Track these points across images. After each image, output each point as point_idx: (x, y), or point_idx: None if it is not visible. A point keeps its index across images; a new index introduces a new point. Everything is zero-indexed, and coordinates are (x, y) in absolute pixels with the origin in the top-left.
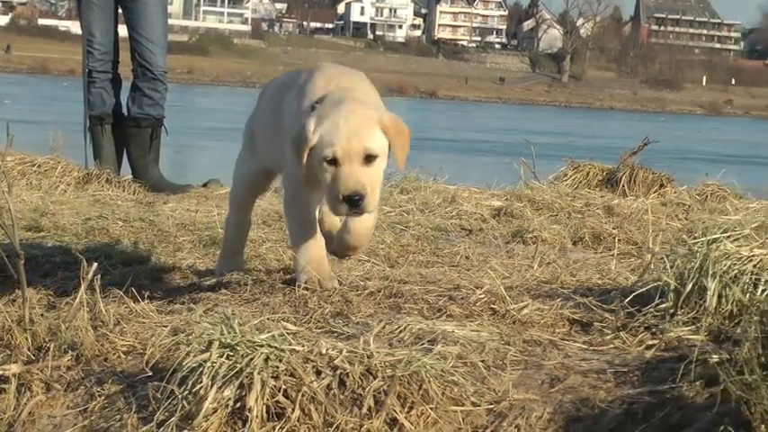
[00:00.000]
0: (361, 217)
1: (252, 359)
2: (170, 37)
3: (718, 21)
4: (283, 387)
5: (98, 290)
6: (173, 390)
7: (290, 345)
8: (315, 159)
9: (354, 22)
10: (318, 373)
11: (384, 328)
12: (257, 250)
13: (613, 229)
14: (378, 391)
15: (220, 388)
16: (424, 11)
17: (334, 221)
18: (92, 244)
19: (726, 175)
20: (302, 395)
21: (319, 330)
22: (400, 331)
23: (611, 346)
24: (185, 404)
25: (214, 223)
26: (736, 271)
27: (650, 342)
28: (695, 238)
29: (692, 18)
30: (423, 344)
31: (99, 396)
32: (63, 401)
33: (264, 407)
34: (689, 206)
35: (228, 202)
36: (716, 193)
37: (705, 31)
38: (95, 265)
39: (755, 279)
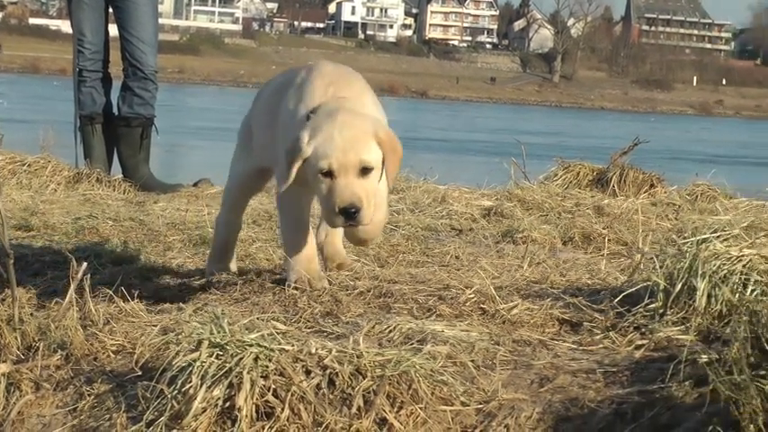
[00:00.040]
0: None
1: (241, 358)
2: (161, 36)
3: (709, 21)
4: (273, 386)
5: (88, 289)
6: (162, 389)
7: (280, 344)
8: (309, 171)
9: (345, 22)
10: (308, 372)
11: (374, 327)
12: (247, 250)
13: (603, 229)
14: (367, 391)
15: (210, 387)
16: (414, 10)
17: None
18: (82, 243)
19: (716, 176)
20: (292, 395)
21: (309, 330)
22: (390, 331)
23: (601, 345)
24: (175, 404)
25: (204, 223)
26: (725, 271)
27: (640, 342)
28: (685, 238)
29: (682, 18)
30: (412, 344)
31: (88, 395)
32: (52, 401)
33: (254, 406)
34: (679, 206)
35: (221, 201)
36: (706, 193)
37: (696, 32)
38: (85, 264)
39: (745, 279)
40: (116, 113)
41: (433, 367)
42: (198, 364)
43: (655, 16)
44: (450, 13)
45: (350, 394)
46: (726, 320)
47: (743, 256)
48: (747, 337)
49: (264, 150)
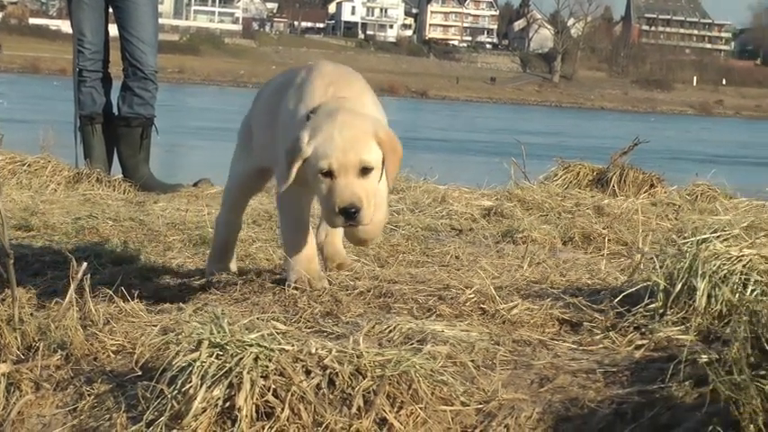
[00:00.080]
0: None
1: (241, 358)
2: (161, 36)
3: (709, 21)
4: (273, 386)
5: (87, 289)
6: (162, 389)
7: (280, 344)
8: (309, 171)
9: (345, 22)
10: (308, 372)
11: (374, 327)
12: (247, 250)
13: (603, 229)
14: (367, 391)
15: (210, 387)
16: (414, 10)
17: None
18: (82, 243)
19: (716, 176)
20: (292, 395)
21: (309, 330)
22: (390, 331)
23: (601, 345)
24: (175, 404)
25: (204, 223)
26: (725, 271)
27: (640, 342)
28: (685, 238)
29: (682, 18)
30: (412, 344)
31: (88, 395)
32: (52, 401)
33: (254, 406)
34: (679, 206)
35: (221, 201)
36: (706, 193)
37: (696, 32)
38: (85, 264)
39: (745, 279)
40: (116, 113)
41: (433, 367)
42: (198, 364)
43: (655, 16)
44: (450, 13)
45: (350, 394)
46: (726, 320)
47: (743, 256)
48: (747, 337)
49: (264, 150)
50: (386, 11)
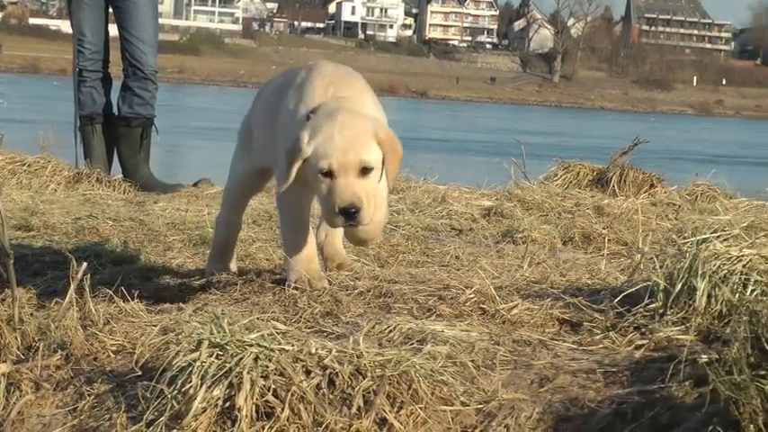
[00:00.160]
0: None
1: (241, 358)
2: (161, 36)
3: (709, 21)
4: (273, 386)
5: (87, 289)
6: (162, 389)
7: (280, 344)
8: (309, 171)
9: (345, 22)
10: (308, 372)
11: (374, 327)
12: (247, 250)
13: (603, 229)
14: (367, 391)
15: (210, 387)
16: (414, 11)
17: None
18: (82, 243)
19: (716, 176)
20: (292, 395)
21: (309, 330)
22: (390, 331)
23: (601, 345)
24: (175, 404)
25: (204, 223)
26: (725, 271)
27: (639, 342)
28: (685, 238)
29: (682, 18)
30: (412, 344)
31: (88, 395)
32: (52, 401)
33: (254, 406)
34: (679, 206)
35: (221, 201)
36: (706, 193)
37: (696, 32)
38: (85, 264)
39: (745, 279)
40: (116, 113)
41: (433, 367)
42: (198, 364)
43: (655, 16)
44: (450, 13)
45: (350, 394)
46: (726, 320)
47: (743, 256)
48: (747, 337)
49: (264, 150)
50: (386, 11)
